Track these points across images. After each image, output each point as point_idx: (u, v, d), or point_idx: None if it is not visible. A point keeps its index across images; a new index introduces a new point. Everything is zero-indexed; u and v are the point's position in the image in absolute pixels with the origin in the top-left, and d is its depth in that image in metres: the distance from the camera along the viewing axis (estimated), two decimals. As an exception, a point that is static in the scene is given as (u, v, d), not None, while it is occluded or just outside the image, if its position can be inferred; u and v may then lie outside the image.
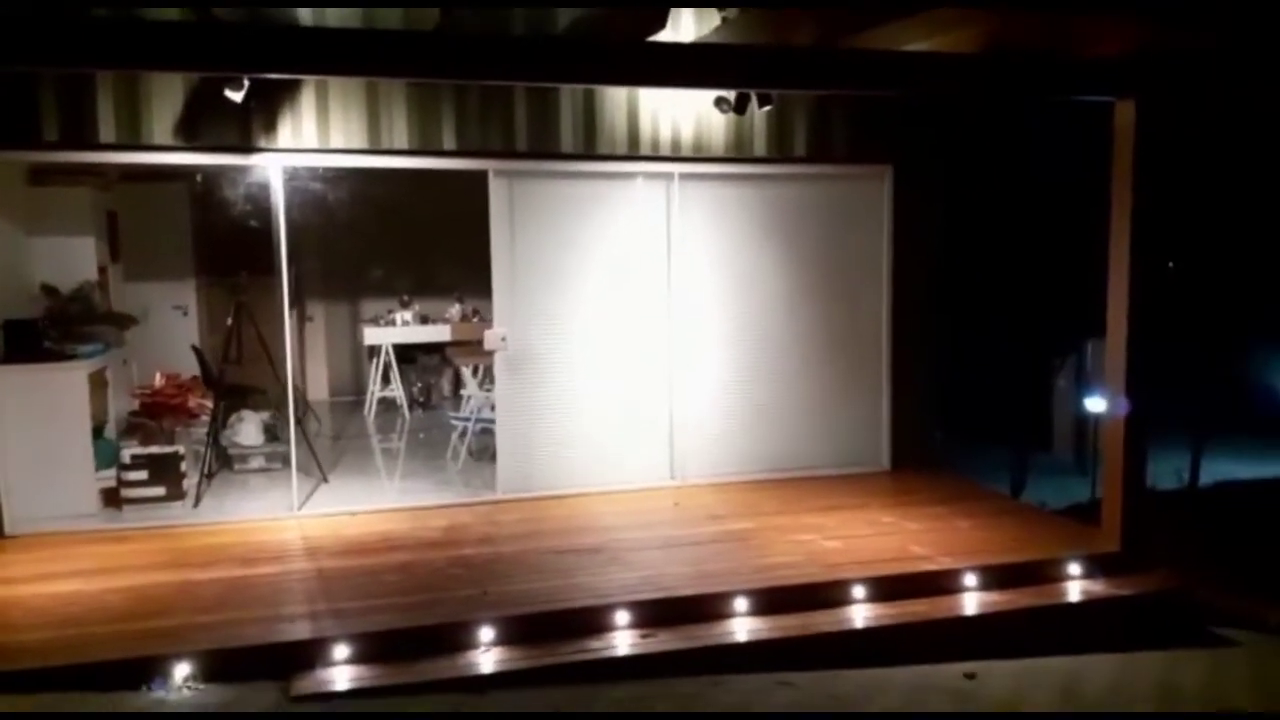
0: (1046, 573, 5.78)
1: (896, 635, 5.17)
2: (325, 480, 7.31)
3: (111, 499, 6.62)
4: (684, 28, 6.59)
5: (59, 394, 6.39)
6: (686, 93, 6.88)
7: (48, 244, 7.31)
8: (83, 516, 6.41)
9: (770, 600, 5.22)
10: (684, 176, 7.20)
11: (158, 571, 5.54)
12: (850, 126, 7.44)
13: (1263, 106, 8.62)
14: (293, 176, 6.65)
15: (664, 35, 6.31)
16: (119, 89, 6.01)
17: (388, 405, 10.25)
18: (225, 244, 9.49)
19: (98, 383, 6.83)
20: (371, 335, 10.09)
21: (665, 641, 4.88)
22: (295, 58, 5.00)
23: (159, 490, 6.61)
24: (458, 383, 10.57)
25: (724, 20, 6.15)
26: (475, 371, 8.54)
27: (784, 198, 7.52)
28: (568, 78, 5.94)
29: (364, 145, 6.43)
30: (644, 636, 4.91)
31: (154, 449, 6.66)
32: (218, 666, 4.43)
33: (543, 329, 7.09)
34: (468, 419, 8.08)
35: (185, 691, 4.33)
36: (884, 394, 7.87)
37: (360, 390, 10.91)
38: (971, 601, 5.50)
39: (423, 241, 10.50)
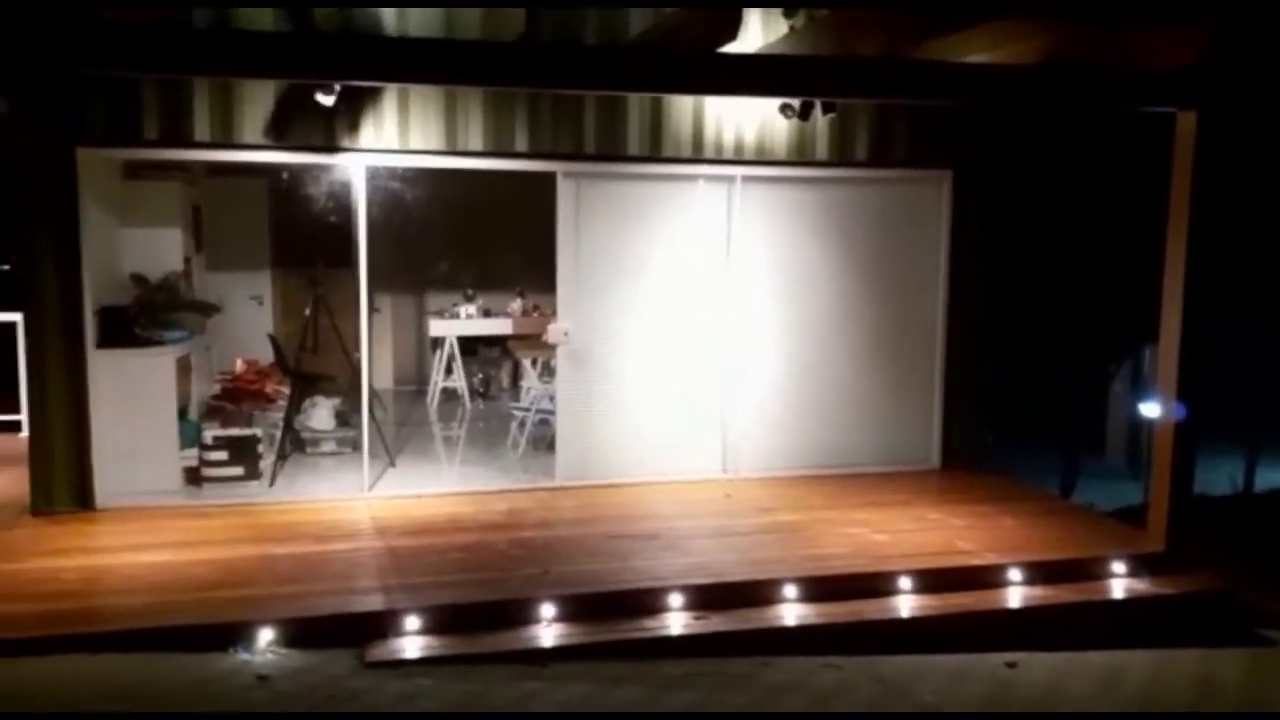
0: (1090, 570, 5.92)
1: (940, 625, 5.36)
2: (393, 464, 7.65)
3: (193, 477, 7.00)
4: (751, 35, 6.80)
5: (148, 378, 6.79)
6: (751, 99, 7.09)
7: (138, 235, 7.69)
8: (166, 493, 6.81)
9: (818, 588, 5.43)
10: (746, 179, 7.43)
11: (238, 545, 5.90)
12: (911, 132, 7.61)
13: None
14: (373, 175, 6.98)
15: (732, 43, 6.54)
16: (214, 91, 6.38)
17: (449, 395, 10.59)
18: (300, 237, 9.92)
19: (182, 367, 7.21)
20: (437, 327, 10.44)
21: (717, 623, 5.12)
22: (382, 67, 5.28)
23: (238, 470, 6.99)
24: (516, 374, 10.89)
25: (791, 29, 6.35)
26: (535, 364, 8.84)
27: (843, 200, 7.71)
28: (639, 87, 6.20)
29: (441, 147, 6.74)
30: (696, 618, 5.16)
31: (234, 431, 7.04)
32: (298, 633, 4.75)
33: (603, 324, 7.36)
34: (527, 409, 8.38)
35: (268, 655, 4.65)
36: (935, 394, 8.03)
37: (423, 380, 11.27)
38: (1015, 595, 5.66)
39: (486, 237, 10.85)
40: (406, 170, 7.62)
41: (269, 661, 4.59)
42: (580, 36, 6.72)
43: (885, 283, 7.87)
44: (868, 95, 6.65)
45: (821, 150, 7.47)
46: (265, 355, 8.98)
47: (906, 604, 5.49)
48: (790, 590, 5.40)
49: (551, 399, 8.01)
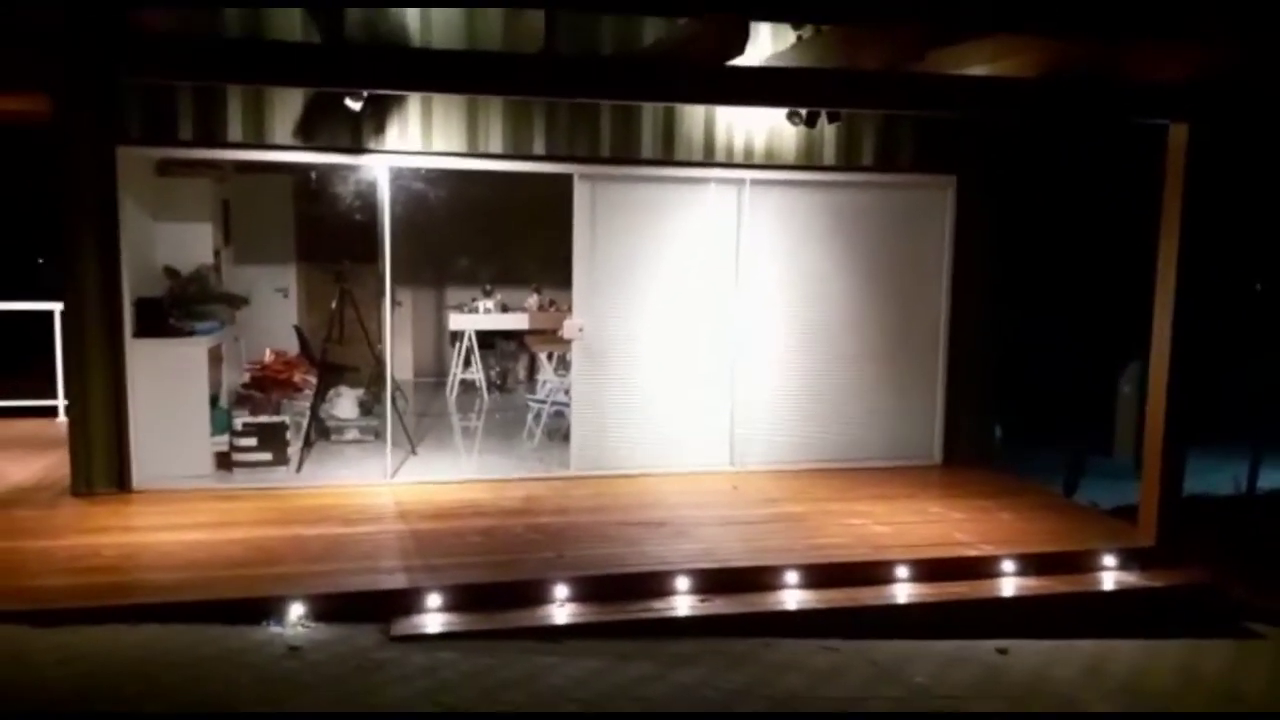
0: (1081, 563, 6.17)
1: (935, 612, 5.62)
2: (414, 452, 7.95)
3: (223, 462, 7.32)
4: (761, 44, 7.05)
5: (182, 367, 7.10)
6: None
7: (171, 229, 7.99)
8: (198, 477, 7.12)
9: (819, 575, 5.70)
10: (755, 183, 7.69)
11: (269, 527, 6.21)
12: (916, 138, 7.86)
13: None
14: (397, 176, 7.27)
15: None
16: (246, 95, 6.69)
17: (467, 387, 10.89)
18: (324, 232, 10.26)
19: (213, 357, 7.51)
20: (456, 321, 10.75)
21: (722, 606, 5.40)
22: (407, 77, 5.59)
23: (266, 456, 7.31)
24: (532, 368, 11.19)
25: (799, 39, 6.61)
26: (550, 358, 9.13)
27: (850, 204, 7.96)
28: (652, 97, 6.48)
29: (462, 149, 7.03)
30: (703, 601, 5.44)
31: (263, 418, 7.35)
32: (327, 608, 5.05)
33: (617, 321, 7.64)
34: (543, 401, 8.67)
35: (299, 628, 4.95)
36: (938, 391, 8.28)
37: (441, 372, 11.58)
38: (1008, 585, 5.91)
39: (504, 235, 11.17)
40: (428, 171, 7.91)
41: (300, 634, 4.89)
42: (597, 43, 6.99)
43: (890, 284, 8.12)
44: (871, 106, 6.91)
45: (828, 156, 7.73)
46: (290, 346, 9.31)
47: (903, 591, 5.75)
48: (792, 576, 5.67)
49: (566, 392, 8.30)
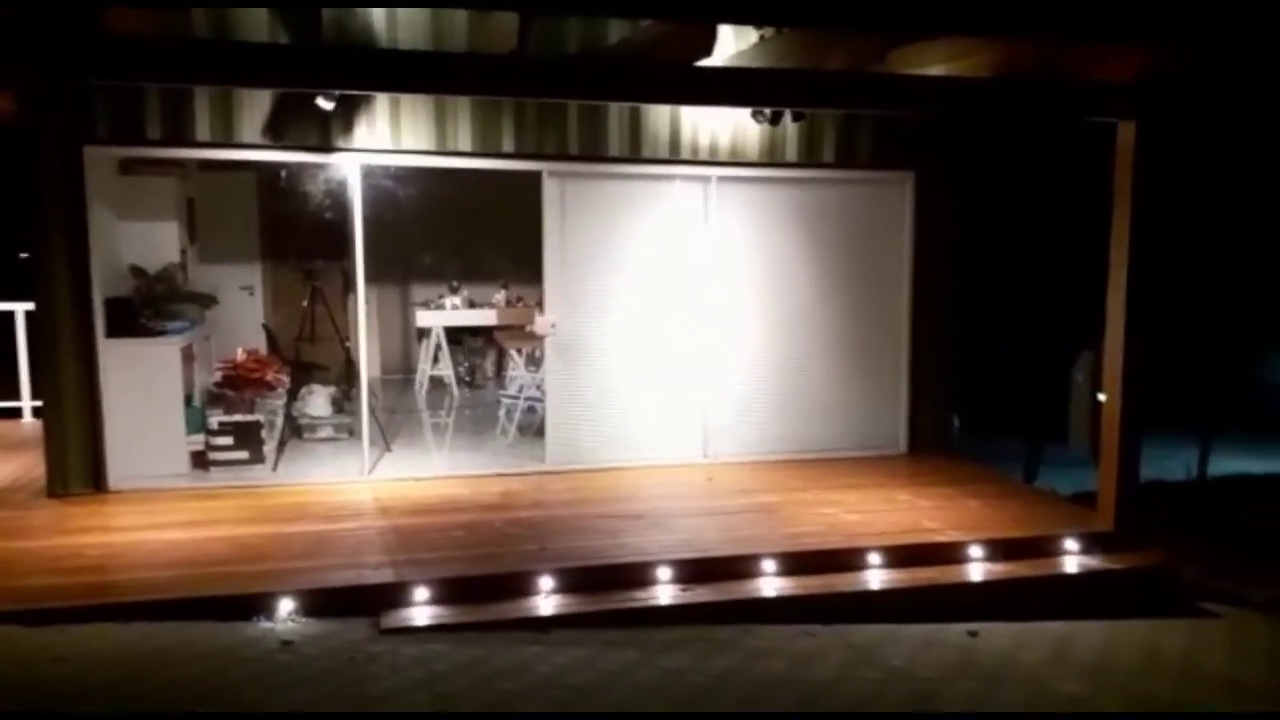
0: (1045, 547, 6.38)
1: (908, 597, 5.79)
2: (389, 449, 8.00)
3: (199, 461, 7.33)
4: (723, 42, 7.17)
5: (155, 366, 7.09)
6: (724, 107, 7.48)
7: (136, 228, 7.94)
8: (175, 476, 7.13)
9: (795, 563, 5.85)
10: (720, 179, 7.83)
11: (250, 524, 6.25)
12: (875, 136, 8.05)
13: (1261, 123, 9.14)
14: (366, 174, 7.31)
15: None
16: (214, 94, 6.70)
17: (436, 383, 10.93)
18: (289, 230, 10.22)
19: (185, 356, 7.51)
20: (424, 318, 10.78)
21: (702, 595, 5.53)
22: (376, 78, 5.64)
23: (243, 454, 7.33)
24: (500, 363, 11.27)
25: (761, 38, 6.75)
26: (520, 353, 9.21)
27: (813, 199, 8.13)
28: (621, 97, 6.59)
29: (431, 147, 7.09)
30: (683, 590, 5.57)
31: (238, 417, 7.37)
32: (316, 603, 5.12)
33: (589, 316, 7.74)
34: (516, 397, 8.75)
35: (290, 623, 5.01)
36: (902, 383, 8.49)
37: (408, 368, 11.61)
38: (976, 570, 6.10)
39: (470, 231, 11.22)
40: (396, 169, 7.95)
41: (291, 629, 4.94)
42: (563, 42, 7.07)
43: (853, 277, 8.31)
44: (833, 106, 7.10)
45: (791, 153, 7.90)
46: (258, 344, 9.29)
47: (876, 578, 5.92)
48: (769, 565, 5.82)
49: (538, 387, 8.40)
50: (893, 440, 8.53)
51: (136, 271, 7.81)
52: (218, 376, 7.96)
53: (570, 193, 7.59)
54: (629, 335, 7.86)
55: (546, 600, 5.36)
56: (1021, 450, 13.16)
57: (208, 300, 8.20)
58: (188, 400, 7.45)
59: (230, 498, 6.82)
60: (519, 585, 5.40)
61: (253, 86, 6.44)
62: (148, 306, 7.50)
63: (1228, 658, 5.57)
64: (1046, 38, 5.61)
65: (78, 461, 6.80)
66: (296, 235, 10.08)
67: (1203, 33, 5.55)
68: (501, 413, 8.87)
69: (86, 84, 6.45)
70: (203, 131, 6.77)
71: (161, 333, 7.28)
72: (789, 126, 7.64)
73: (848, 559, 5.98)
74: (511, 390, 8.95)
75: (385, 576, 5.35)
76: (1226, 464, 12.89)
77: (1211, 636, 5.97)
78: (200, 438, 7.34)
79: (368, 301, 11.29)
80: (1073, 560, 6.36)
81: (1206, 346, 13.48)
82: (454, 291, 11.07)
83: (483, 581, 5.38)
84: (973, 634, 5.53)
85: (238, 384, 7.66)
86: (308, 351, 8.31)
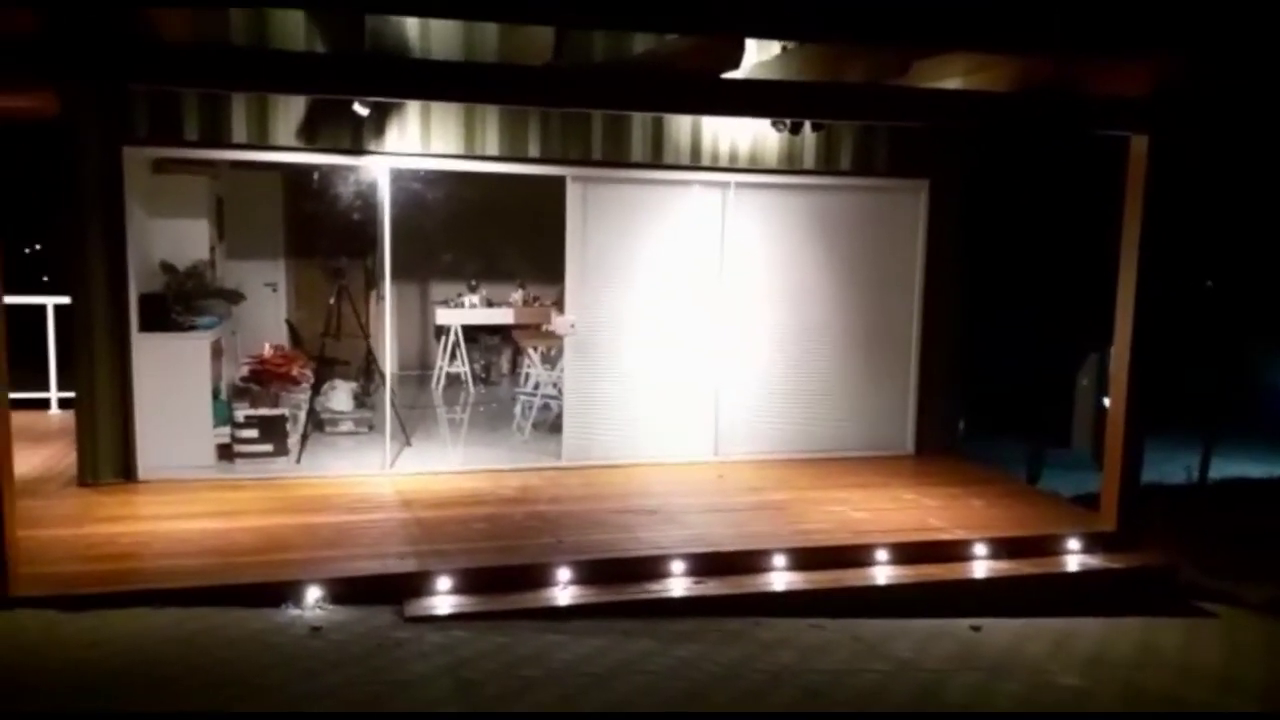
0: (1047, 546, 6.56)
1: (913, 593, 5.98)
2: (409, 444, 8.21)
3: (225, 453, 7.53)
4: (746, 53, 7.35)
5: (186, 360, 7.30)
6: (745, 116, 7.67)
7: (167, 225, 8.15)
8: (202, 467, 7.33)
9: (804, 558, 6.04)
10: (739, 185, 8.02)
11: (278, 515, 6.45)
12: (892, 145, 8.23)
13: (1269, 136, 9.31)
14: (396, 176, 7.51)
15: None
16: (250, 97, 6.89)
17: (452, 380, 11.14)
18: (313, 228, 10.45)
19: (214, 351, 7.72)
20: (443, 316, 11.00)
21: (714, 588, 5.73)
22: (408, 86, 5.83)
23: (267, 447, 7.54)
24: (515, 361, 11.48)
25: (784, 49, 6.94)
26: (537, 351, 9.40)
27: (829, 206, 8.31)
28: (644, 108, 6.80)
29: (460, 151, 7.29)
30: (696, 583, 5.76)
31: (264, 411, 7.58)
32: (343, 592, 5.32)
33: (607, 317, 7.94)
34: (533, 394, 8.95)
35: (318, 610, 5.22)
36: (911, 385, 8.67)
37: (425, 365, 11.82)
38: (980, 568, 6.28)
39: (488, 232, 11.42)
40: (422, 171, 8.16)
41: (319, 616, 5.15)
42: (590, 51, 7.26)
43: (866, 282, 8.49)
44: (853, 118, 7.29)
45: (809, 160, 8.08)
46: (280, 339, 9.52)
47: (883, 573, 6.11)
48: (779, 560, 6.01)
49: (554, 385, 8.59)
50: (900, 442, 8.71)
51: (167, 268, 8.01)
52: (244, 371, 8.16)
53: (592, 197, 7.78)
54: (645, 336, 8.05)
55: (564, 591, 5.56)
56: (1025, 453, 13.33)
57: (235, 296, 8.41)
58: (215, 394, 7.66)
59: (255, 489, 7.03)
60: (538, 576, 5.60)
61: (288, 93, 6.64)
62: (178, 302, 7.71)
63: (1223, 655, 5.73)
64: (1063, 53, 5.78)
65: (108, 452, 7.02)
66: (320, 233, 10.31)
67: (1213, 46, 5.74)
68: (518, 409, 9.08)
69: (126, 86, 6.65)
70: (239, 133, 6.97)
71: (191, 328, 7.49)
72: (808, 136, 7.83)
73: (855, 555, 6.17)
74: (528, 388, 9.15)
75: (409, 566, 5.55)
76: (1228, 468, 13.04)
77: (1208, 634, 6.13)
78: (226, 430, 7.55)
79: (383, 298, 11.56)
80: (1074, 559, 6.54)
81: (1209, 351, 13.63)
82: (472, 290, 11.28)
83: (503, 572, 5.58)
84: (976, 629, 5.71)
85: (264, 379, 7.87)
86: (331, 347, 8.52)
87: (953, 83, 6.47)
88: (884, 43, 5.73)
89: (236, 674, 4.40)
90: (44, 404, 9.54)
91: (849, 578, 6.00)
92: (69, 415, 8.97)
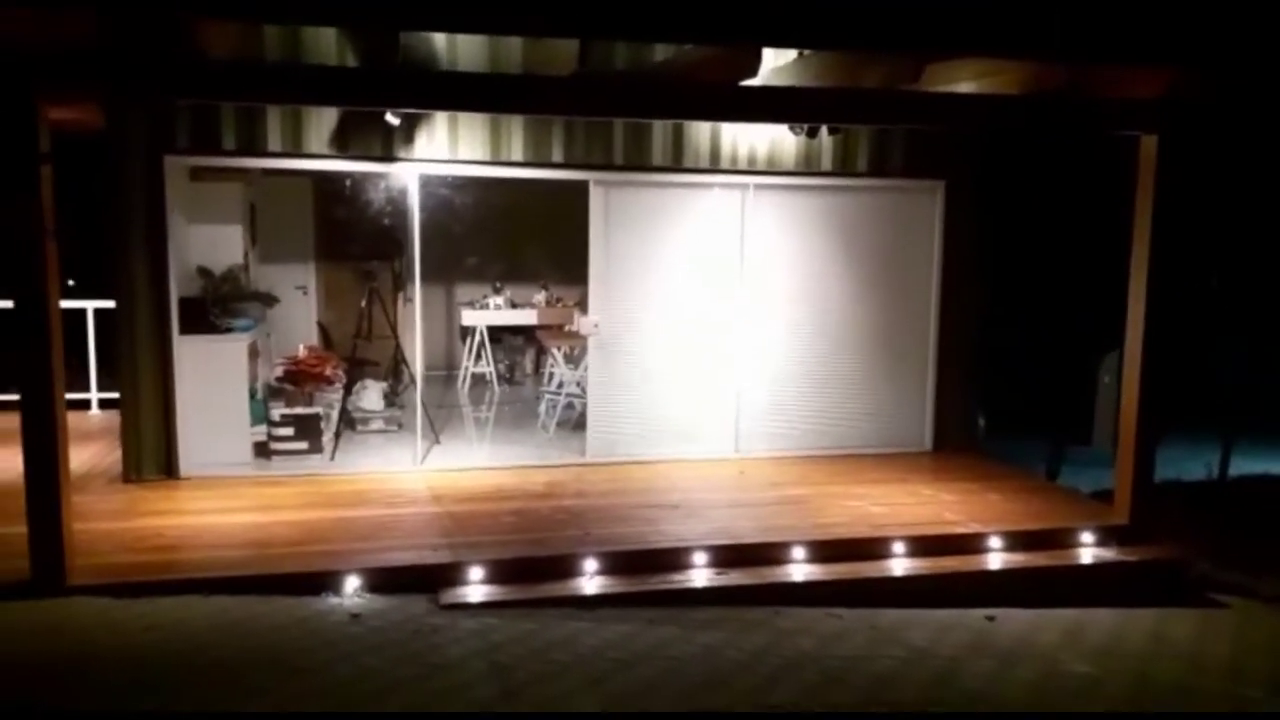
0: (1062, 539, 6.71)
1: (930, 584, 6.16)
2: (438, 441, 8.45)
3: (261, 450, 7.80)
4: (764, 59, 7.55)
5: (224, 361, 7.59)
6: (763, 121, 7.86)
7: (203, 231, 8.42)
8: (239, 464, 7.60)
9: (823, 551, 6.23)
10: (758, 187, 8.22)
11: (314, 509, 6.71)
12: (907, 146, 8.41)
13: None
14: (425, 182, 7.75)
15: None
16: (285, 108, 7.15)
17: (478, 379, 11.38)
18: (342, 232, 10.72)
19: (250, 352, 7.99)
20: (469, 317, 11.23)
21: (736, 579, 5.93)
22: (436, 98, 6.10)
23: (303, 445, 7.80)
24: (538, 360, 11.71)
25: (800, 54, 7.12)
26: (560, 351, 9.63)
27: (846, 206, 8.50)
28: (665, 115, 7.06)
29: (486, 157, 7.53)
30: (718, 574, 5.97)
31: (299, 410, 7.84)
32: (380, 581, 5.56)
33: (630, 317, 8.15)
34: (558, 393, 9.18)
35: (356, 599, 5.46)
36: (928, 383, 8.84)
37: (451, 365, 12.07)
38: (995, 560, 6.45)
39: (512, 234, 11.66)
40: (450, 177, 8.40)
41: (357, 604, 5.39)
42: (611, 60, 7.48)
43: (883, 281, 8.67)
44: (869, 122, 7.48)
45: (826, 162, 8.27)
46: (310, 340, 9.79)
47: (900, 565, 6.29)
48: (798, 552, 6.20)
49: (578, 384, 8.81)
50: (918, 438, 8.88)
51: (203, 272, 8.29)
52: (279, 371, 8.43)
53: (614, 200, 8.00)
54: (666, 335, 8.26)
55: (591, 581, 5.78)
56: (1044, 449, 13.44)
57: (270, 300, 8.68)
58: (251, 394, 7.93)
59: (292, 485, 7.28)
60: (566, 567, 5.82)
61: (325, 105, 6.89)
62: (215, 305, 7.98)
63: (1233, 646, 5.87)
64: (1075, 59, 5.95)
65: (151, 450, 7.29)
66: (349, 237, 10.58)
67: (1221, 52, 5.89)
68: (542, 407, 9.30)
69: (168, 99, 6.92)
70: (274, 142, 7.23)
71: (228, 330, 7.76)
72: (825, 139, 8.03)
73: (873, 548, 6.35)
74: (552, 387, 9.38)
75: (444, 557, 5.78)
76: (1249, 464, 13.12)
77: (1219, 625, 6.26)
78: (262, 429, 7.82)
79: (410, 299, 11.81)
80: (1088, 552, 6.69)
81: (1230, 348, 13.72)
82: (497, 292, 11.52)
83: (533, 563, 5.80)
84: (990, 619, 5.88)
85: (299, 379, 8.13)
86: (362, 348, 8.78)
87: (965, 86, 6.63)
88: (903, 50, 5.90)
89: (284, 656, 4.64)
90: (84, 404, 9.82)
91: (866, 569, 6.18)
92: (109, 415, 9.31)
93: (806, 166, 8.23)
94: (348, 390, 8.64)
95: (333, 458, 7.91)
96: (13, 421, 5.52)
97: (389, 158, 7.42)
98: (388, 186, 9.83)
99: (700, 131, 7.95)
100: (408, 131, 7.36)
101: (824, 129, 7.55)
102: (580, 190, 7.94)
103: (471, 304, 11.49)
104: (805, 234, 8.44)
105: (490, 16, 5.02)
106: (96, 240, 7.45)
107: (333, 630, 5.02)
